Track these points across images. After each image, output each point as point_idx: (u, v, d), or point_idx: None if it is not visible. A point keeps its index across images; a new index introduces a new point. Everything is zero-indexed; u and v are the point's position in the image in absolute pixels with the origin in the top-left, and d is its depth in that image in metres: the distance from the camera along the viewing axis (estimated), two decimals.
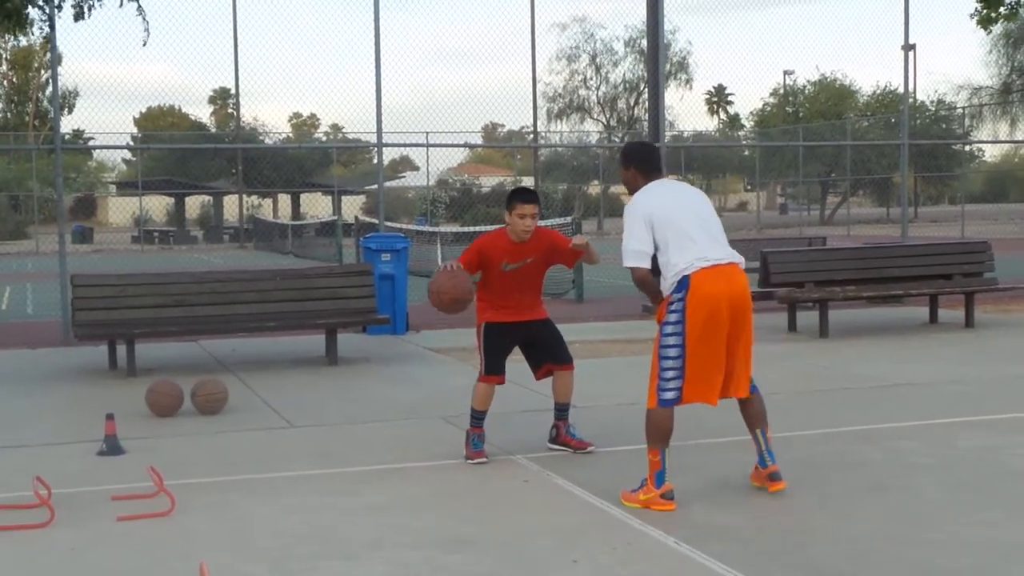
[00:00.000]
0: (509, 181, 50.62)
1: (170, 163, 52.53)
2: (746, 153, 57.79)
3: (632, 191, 6.30)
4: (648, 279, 6.09)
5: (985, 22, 16.60)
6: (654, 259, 6.06)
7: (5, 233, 45.12)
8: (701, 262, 5.91)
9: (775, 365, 10.26)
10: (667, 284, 5.97)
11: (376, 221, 15.53)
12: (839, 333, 12.78)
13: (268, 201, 58.25)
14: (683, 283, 5.87)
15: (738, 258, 6.08)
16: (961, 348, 11.79)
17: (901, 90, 18.79)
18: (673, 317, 5.89)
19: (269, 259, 32.32)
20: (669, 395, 5.93)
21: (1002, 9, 16.62)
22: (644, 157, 6.37)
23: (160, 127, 69.27)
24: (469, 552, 5.22)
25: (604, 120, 54.07)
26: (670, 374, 5.91)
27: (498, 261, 6.98)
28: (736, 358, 6.02)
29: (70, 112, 54.13)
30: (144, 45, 13.38)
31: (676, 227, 6.00)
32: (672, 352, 5.88)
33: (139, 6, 12.31)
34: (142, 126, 70.93)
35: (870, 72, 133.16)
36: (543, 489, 6.37)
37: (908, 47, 17.46)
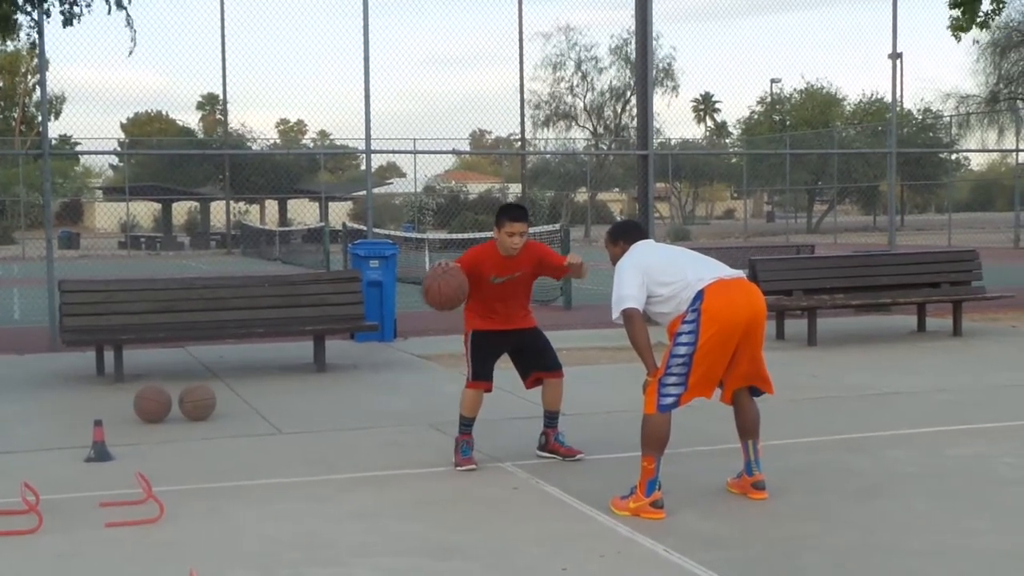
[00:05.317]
0: (496, 188, 50.66)
1: (157, 169, 52.35)
2: (733, 161, 57.92)
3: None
4: (641, 320, 5.95)
5: (958, 29, 16.61)
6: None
7: None
8: (715, 276, 5.98)
9: None
10: (680, 301, 5.94)
11: (364, 228, 15.50)
12: (827, 341, 12.80)
13: (255, 207, 58.14)
14: (698, 296, 5.89)
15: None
16: (949, 357, 11.83)
17: (888, 99, 18.85)
18: (687, 328, 5.89)
19: (256, 265, 32.23)
20: (668, 400, 5.93)
21: (977, 18, 16.63)
22: (633, 231, 6.44)
23: (147, 133, 68.96)
24: (457, 560, 5.22)
25: (591, 127, 54.13)
26: (671, 380, 5.91)
27: (487, 274, 6.99)
28: (739, 364, 6.06)
29: (57, 117, 53.84)
30: (130, 55, 13.35)
31: (678, 264, 6.11)
32: (679, 360, 5.89)
33: (127, 16, 12.27)
34: (129, 132, 70.55)
35: (856, 80, 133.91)
36: (532, 497, 6.37)
37: (895, 55, 17.53)
